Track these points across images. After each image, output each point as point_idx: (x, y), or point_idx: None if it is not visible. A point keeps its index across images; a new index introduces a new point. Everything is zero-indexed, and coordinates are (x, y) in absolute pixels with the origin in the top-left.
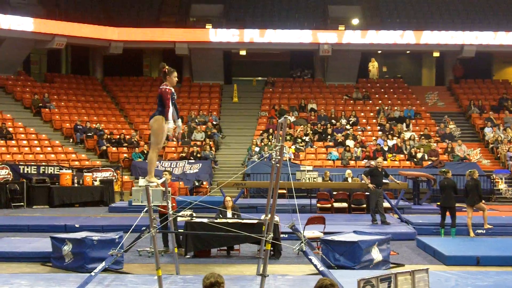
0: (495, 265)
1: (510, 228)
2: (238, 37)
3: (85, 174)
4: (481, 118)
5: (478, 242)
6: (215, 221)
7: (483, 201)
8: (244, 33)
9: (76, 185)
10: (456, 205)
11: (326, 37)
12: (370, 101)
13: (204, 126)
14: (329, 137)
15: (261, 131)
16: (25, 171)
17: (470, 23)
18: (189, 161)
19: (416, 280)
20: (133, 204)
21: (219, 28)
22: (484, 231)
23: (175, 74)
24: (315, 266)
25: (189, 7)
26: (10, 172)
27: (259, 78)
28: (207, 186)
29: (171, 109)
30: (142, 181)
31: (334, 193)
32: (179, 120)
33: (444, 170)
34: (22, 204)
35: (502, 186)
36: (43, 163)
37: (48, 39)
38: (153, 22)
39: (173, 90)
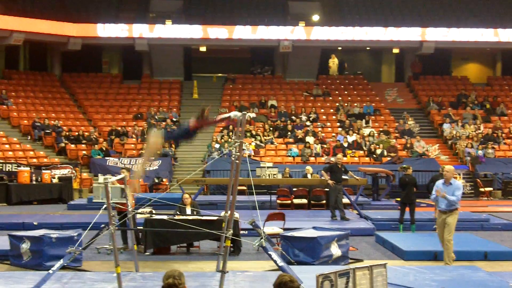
0: None
1: (468, 223)
2: (198, 33)
3: (43, 171)
4: (440, 114)
5: (435, 237)
6: (175, 218)
7: None
8: (204, 29)
9: (34, 182)
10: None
11: (286, 33)
12: (330, 98)
13: (164, 123)
14: (289, 133)
15: (221, 128)
16: None
17: (429, 20)
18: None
19: (374, 275)
20: (94, 201)
21: (179, 24)
22: None
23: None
24: (275, 261)
25: (149, 3)
26: None
27: (219, 74)
28: (167, 183)
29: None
30: (101, 178)
31: (294, 189)
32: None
33: (405, 166)
34: None
35: (460, 181)
36: (1, 161)
37: (5, 35)
38: (112, 18)
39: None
